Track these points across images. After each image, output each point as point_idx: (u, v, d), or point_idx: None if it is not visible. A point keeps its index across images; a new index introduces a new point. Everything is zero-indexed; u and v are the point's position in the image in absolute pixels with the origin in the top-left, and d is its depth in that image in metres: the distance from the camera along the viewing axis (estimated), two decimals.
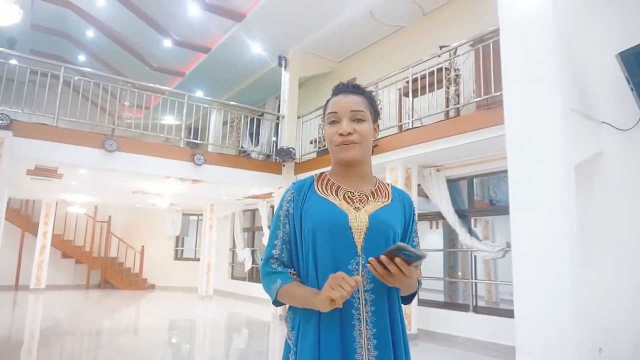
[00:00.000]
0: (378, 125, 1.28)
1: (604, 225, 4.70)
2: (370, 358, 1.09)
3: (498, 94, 4.96)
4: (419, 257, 1.00)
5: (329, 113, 1.21)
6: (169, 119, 9.03)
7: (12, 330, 6.72)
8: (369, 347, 1.10)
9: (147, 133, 8.03)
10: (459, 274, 6.96)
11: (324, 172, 1.27)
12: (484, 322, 5.87)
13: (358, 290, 1.11)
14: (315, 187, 1.22)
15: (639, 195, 4.47)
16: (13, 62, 6.75)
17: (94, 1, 8.71)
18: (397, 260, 0.99)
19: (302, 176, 8.16)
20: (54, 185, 8.82)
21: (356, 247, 1.12)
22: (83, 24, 9.62)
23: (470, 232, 6.31)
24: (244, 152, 9.73)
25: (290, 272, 1.17)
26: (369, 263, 1.04)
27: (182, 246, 14.00)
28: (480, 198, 6.78)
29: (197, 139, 9.43)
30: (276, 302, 1.17)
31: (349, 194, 1.19)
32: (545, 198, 4.19)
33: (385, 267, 1.01)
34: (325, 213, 1.14)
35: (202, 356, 5.71)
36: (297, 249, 1.18)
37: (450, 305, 6.68)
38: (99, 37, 10.05)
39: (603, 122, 4.82)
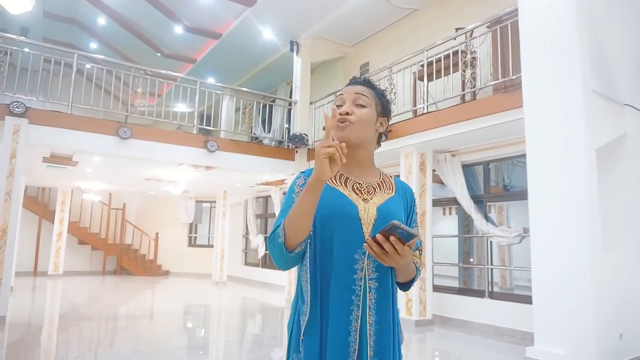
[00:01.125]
0: (386, 120, 1.31)
1: (626, 210, 4.60)
2: (370, 343, 1.14)
3: (516, 76, 4.85)
4: (412, 236, 1.03)
5: (338, 96, 1.27)
6: (181, 107, 9.03)
7: (32, 315, 6.87)
8: (370, 332, 1.14)
9: (160, 120, 8.05)
10: (471, 260, 6.91)
11: None
12: (500, 308, 5.83)
13: (362, 277, 1.15)
14: None
15: None
16: (27, 50, 6.76)
17: None
18: (392, 238, 1.02)
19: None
20: (69, 172, 8.91)
21: (364, 237, 1.15)
22: (94, 11, 9.60)
23: (486, 218, 6.24)
24: (256, 138, 9.70)
25: None
26: (365, 243, 1.06)
27: (196, 233, 14.12)
28: (495, 183, 6.68)
29: (209, 126, 9.43)
30: (286, 249, 1.13)
31: (357, 185, 1.23)
32: (566, 182, 4.10)
33: (381, 247, 1.04)
34: (336, 203, 1.17)
35: (217, 341, 5.77)
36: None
37: (465, 291, 6.65)
38: (111, 24, 10.04)
39: (626, 104, 4.69)
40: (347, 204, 1.18)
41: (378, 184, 1.27)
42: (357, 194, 1.21)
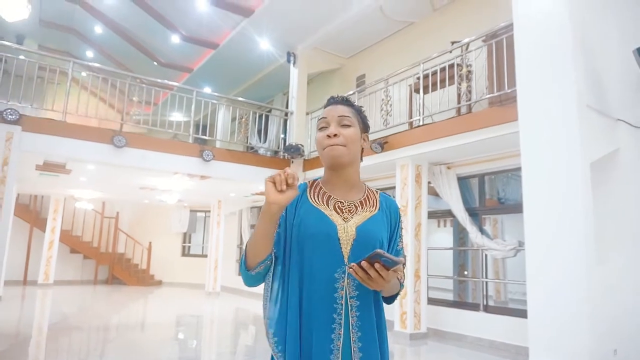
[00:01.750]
0: (367, 135, 1.34)
1: (620, 224, 4.61)
2: (356, 358, 1.16)
3: (511, 90, 4.88)
4: (396, 263, 1.05)
5: (320, 119, 1.29)
6: (177, 116, 9.01)
7: (21, 325, 6.75)
8: (354, 348, 1.17)
9: (155, 129, 8.02)
10: (466, 272, 6.89)
11: (317, 180, 1.33)
12: (494, 322, 5.79)
13: (343, 296, 1.17)
14: (308, 194, 1.27)
15: None
16: (22, 57, 6.74)
17: None
18: (377, 265, 1.05)
19: (311, 173, 8.12)
20: (62, 180, 8.83)
21: (343, 256, 1.18)
22: (91, 19, 9.61)
23: (481, 231, 6.23)
24: (252, 148, 9.69)
25: None
26: (350, 268, 1.08)
27: (190, 242, 14.01)
28: (490, 196, 6.69)
29: (205, 135, 9.40)
30: (247, 268, 1.17)
31: (339, 204, 1.25)
32: (560, 196, 4.11)
33: (366, 272, 1.06)
34: (316, 223, 1.20)
35: (209, 352, 5.69)
36: (284, 251, 1.22)
37: (460, 304, 6.61)
38: (107, 33, 10.04)
39: (618, 120, 4.72)
40: (327, 224, 1.20)
41: (361, 202, 1.28)
42: (339, 213, 1.23)
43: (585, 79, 4.34)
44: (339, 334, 1.16)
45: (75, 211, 12.55)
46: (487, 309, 6.05)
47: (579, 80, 4.19)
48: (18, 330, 6.30)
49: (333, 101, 1.33)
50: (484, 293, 6.13)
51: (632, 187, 4.62)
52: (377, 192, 1.35)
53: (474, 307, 6.22)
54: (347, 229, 1.21)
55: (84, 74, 7.93)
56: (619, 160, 4.71)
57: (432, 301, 6.62)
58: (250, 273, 1.17)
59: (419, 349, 5.71)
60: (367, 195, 1.31)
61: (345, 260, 1.18)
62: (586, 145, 4.16)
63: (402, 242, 1.34)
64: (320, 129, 1.28)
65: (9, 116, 5.77)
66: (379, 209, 1.29)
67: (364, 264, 1.05)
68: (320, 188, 1.29)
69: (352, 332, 1.17)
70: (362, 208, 1.27)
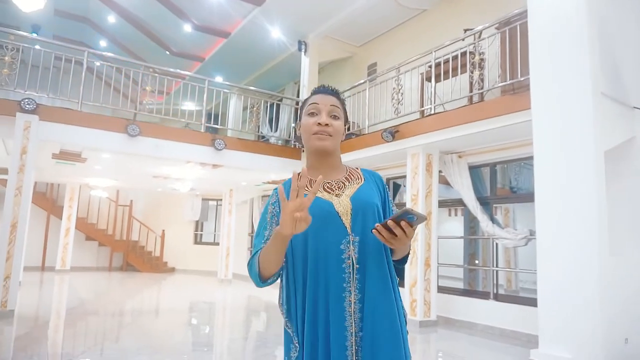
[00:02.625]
0: (347, 128, 1.41)
1: (634, 214, 4.57)
2: (355, 319, 1.22)
3: (524, 78, 4.83)
4: (423, 219, 1.11)
5: (311, 104, 1.33)
6: (189, 105, 9.08)
7: (40, 309, 6.94)
8: (354, 309, 1.22)
9: (167, 118, 8.09)
10: (477, 261, 6.89)
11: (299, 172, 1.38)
12: (504, 310, 5.81)
13: (350, 265, 1.23)
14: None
15: None
16: (37, 47, 6.84)
17: None
18: (402, 223, 1.11)
19: None
20: (77, 169, 9.00)
21: (346, 228, 1.24)
22: (104, 9, 9.68)
23: (492, 220, 6.22)
24: (263, 137, 9.73)
25: None
26: (374, 229, 1.15)
27: (202, 231, 14.19)
28: (502, 185, 6.66)
29: (217, 124, 9.45)
30: (260, 280, 1.23)
31: (327, 184, 1.32)
32: (573, 185, 4.08)
33: (390, 231, 1.12)
34: (312, 206, 1.20)
35: (221, 337, 5.81)
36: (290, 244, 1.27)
37: (470, 292, 6.63)
38: (120, 23, 10.11)
39: (635, 107, 4.66)
40: (322, 203, 1.26)
41: (346, 177, 1.36)
42: (329, 192, 1.30)
43: (601, 66, 4.29)
44: (350, 300, 1.22)
45: (90, 199, 12.78)
46: (497, 297, 6.06)
47: (594, 68, 4.14)
48: (37, 314, 6.49)
49: (324, 90, 1.37)
50: (495, 282, 6.14)
51: None
52: (357, 168, 1.43)
53: (484, 295, 6.23)
54: (342, 202, 1.28)
55: (98, 63, 8.00)
56: (634, 149, 4.66)
57: (442, 289, 6.65)
58: (265, 282, 1.24)
59: (429, 336, 5.76)
60: (349, 173, 1.38)
61: (349, 230, 1.24)
62: (600, 133, 4.12)
63: (394, 206, 1.41)
64: (309, 114, 1.33)
65: (27, 105, 5.88)
66: (364, 181, 1.37)
67: (390, 223, 1.11)
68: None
69: (354, 295, 1.22)
70: (349, 183, 1.34)
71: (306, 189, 1.16)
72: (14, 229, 5.75)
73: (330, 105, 1.32)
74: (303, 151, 8.37)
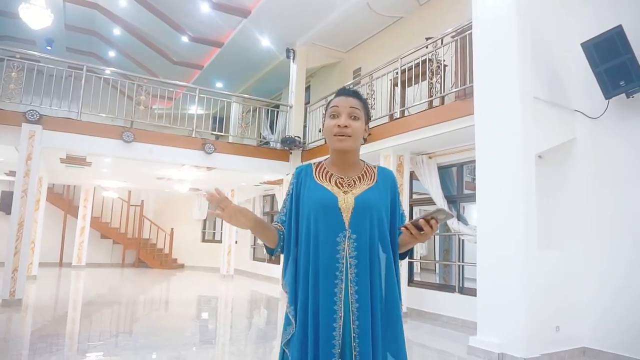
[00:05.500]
0: (369, 126, 1.55)
1: (575, 210, 4.85)
2: (352, 310, 1.35)
3: (472, 84, 5.17)
4: (452, 216, 1.35)
5: (332, 107, 1.46)
6: (193, 109, 9.70)
7: (58, 302, 7.62)
8: (351, 300, 1.35)
9: (168, 126, 8.68)
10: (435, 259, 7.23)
11: (322, 161, 1.55)
12: (467, 302, 6.15)
13: (344, 257, 1.37)
14: (314, 174, 1.49)
15: (610, 183, 4.61)
16: (41, 63, 7.54)
17: (116, 2, 9.43)
18: (432, 221, 1.27)
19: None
20: (87, 172, 9.73)
21: (344, 223, 1.38)
22: (110, 23, 10.39)
23: (459, 217, 6.56)
24: (262, 141, 10.28)
25: (277, 225, 1.50)
26: (404, 227, 1.33)
27: (212, 229, 14.86)
28: (467, 184, 6.98)
29: (221, 129, 9.94)
30: (266, 250, 1.52)
31: (340, 180, 1.45)
32: (505, 186, 4.42)
33: (419, 228, 1.28)
34: (319, 197, 1.41)
35: (224, 326, 6.35)
36: (296, 222, 1.46)
37: (440, 286, 6.99)
38: (125, 35, 10.82)
39: (575, 110, 4.94)
40: (329, 197, 1.41)
41: (359, 176, 1.47)
42: (339, 187, 1.44)
43: (536, 72, 4.60)
44: (341, 287, 1.35)
45: (103, 199, 13.61)
46: (462, 290, 6.40)
47: (524, 74, 4.45)
48: (56, 305, 7.17)
49: (344, 92, 1.49)
50: (460, 276, 6.48)
51: (587, 177, 4.83)
52: (375, 167, 1.54)
53: (451, 289, 6.59)
54: (346, 200, 1.40)
55: (107, 71, 8.69)
56: (575, 150, 4.93)
57: (417, 284, 7.04)
58: (275, 251, 1.48)
59: None
60: (365, 171, 1.50)
61: (346, 226, 1.38)
62: (533, 136, 4.45)
63: (402, 206, 1.55)
64: (330, 116, 1.44)
65: (31, 117, 6.56)
66: (376, 181, 1.47)
67: (422, 222, 1.27)
68: (324, 168, 1.50)
69: (350, 287, 1.36)
70: (360, 182, 1.45)
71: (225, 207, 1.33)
72: (21, 227, 6.44)
73: (350, 107, 1.43)
74: (291, 153, 8.85)
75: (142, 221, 14.07)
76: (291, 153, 8.84)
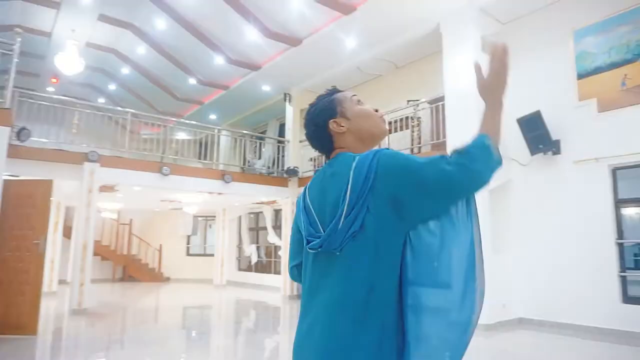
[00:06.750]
0: None
1: (515, 227, 7.24)
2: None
3: (445, 139, 7.44)
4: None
5: (353, 96, 1.34)
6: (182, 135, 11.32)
7: (56, 312, 8.66)
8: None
9: (157, 154, 10.23)
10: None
11: None
12: None
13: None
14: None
15: (534, 209, 7.03)
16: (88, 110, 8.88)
17: (134, 48, 10.84)
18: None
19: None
20: (102, 196, 10.92)
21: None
22: (121, 63, 11.70)
23: None
24: (250, 167, 12.02)
25: None
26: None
27: (192, 244, 16.20)
28: None
29: (205, 154, 11.52)
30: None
31: None
32: None
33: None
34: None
35: (218, 326, 8.04)
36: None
37: None
38: (132, 73, 12.11)
39: (512, 159, 7.36)
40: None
41: None
42: None
43: None
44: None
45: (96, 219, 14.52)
46: None
47: None
48: (54, 314, 8.31)
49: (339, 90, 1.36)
50: None
51: (519, 204, 7.25)
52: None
53: None
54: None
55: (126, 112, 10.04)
56: (512, 187, 7.35)
57: None
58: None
59: None
60: None
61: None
62: None
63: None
64: (358, 101, 1.32)
65: (92, 157, 7.94)
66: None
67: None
68: None
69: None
70: None
71: None
72: (85, 249, 7.77)
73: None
74: (290, 180, 10.74)
75: (131, 238, 15.12)
76: (290, 180, 10.72)
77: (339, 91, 1.36)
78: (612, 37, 6.34)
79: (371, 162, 1.12)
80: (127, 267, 14.96)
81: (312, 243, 1.18)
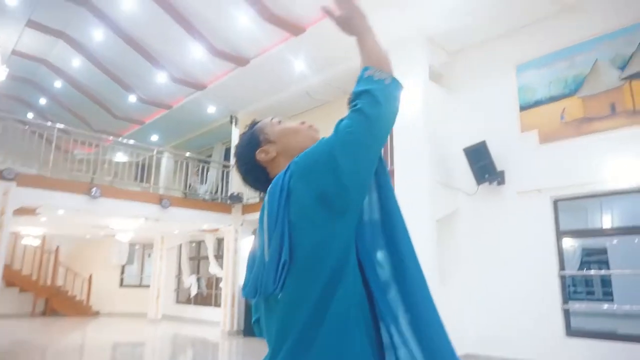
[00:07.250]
0: None
1: (459, 257, 7.12)
2: None
3: (393, 167, 7.30)
4: None
5: (273, 119, 1.29)
6: (120, 156, 10.61)
7: None
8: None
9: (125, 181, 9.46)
10: None
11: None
12: None
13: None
14: None
15: (480, 238, 6.95)
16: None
17: (68, 60, 10.09)
18: None
19: (249, 216, 10.02)
20: (22, 220, 9.84)
21: None
22: (53, 76, 10.85)
23: None
24: (192, 192, 11.38)
25: None
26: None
27: (126, 274, 14.99)
28: None
29: (142, 177, 10.70)
30: None
31: None
32: (417, 241, 6.41)
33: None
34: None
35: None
36: None
37: None
38: (66, 87, 11.27)
39: (458, 189, 7.32)
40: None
41: None
42: None
43: (435, 163, 6.88)
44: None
45: (15, 246, 13.09)
46: None
47: (429, 164, 6.70)
48: None
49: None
50: None
51: (467, 234, 7.17)
52: None
53: None
54: None
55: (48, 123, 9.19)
56: (458, 217, 7.28)
57: None
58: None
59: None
60: None
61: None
62: (433, 206, 6.65)
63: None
64: (279, 122, 1.27)
65: (7, 175, 7.08)
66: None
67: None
68: None
69: None
70: None
71: None
72: None
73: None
74: (233, 207, 10.19)
75: (56, 268, 13.74)
76: (233, 207, 10.18)
77: (259, 121, 1.31)
78: (552, 72, 6.54)
79: (285, 176, 1.04)
80: (51, 299, 13.49)
81: (245, 291, 1.09)
